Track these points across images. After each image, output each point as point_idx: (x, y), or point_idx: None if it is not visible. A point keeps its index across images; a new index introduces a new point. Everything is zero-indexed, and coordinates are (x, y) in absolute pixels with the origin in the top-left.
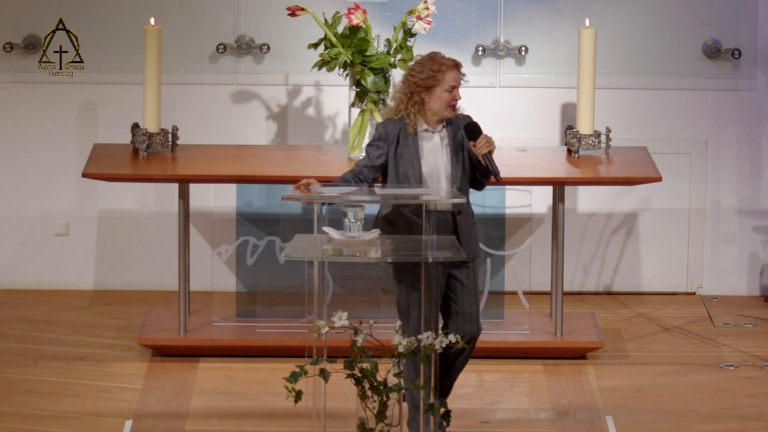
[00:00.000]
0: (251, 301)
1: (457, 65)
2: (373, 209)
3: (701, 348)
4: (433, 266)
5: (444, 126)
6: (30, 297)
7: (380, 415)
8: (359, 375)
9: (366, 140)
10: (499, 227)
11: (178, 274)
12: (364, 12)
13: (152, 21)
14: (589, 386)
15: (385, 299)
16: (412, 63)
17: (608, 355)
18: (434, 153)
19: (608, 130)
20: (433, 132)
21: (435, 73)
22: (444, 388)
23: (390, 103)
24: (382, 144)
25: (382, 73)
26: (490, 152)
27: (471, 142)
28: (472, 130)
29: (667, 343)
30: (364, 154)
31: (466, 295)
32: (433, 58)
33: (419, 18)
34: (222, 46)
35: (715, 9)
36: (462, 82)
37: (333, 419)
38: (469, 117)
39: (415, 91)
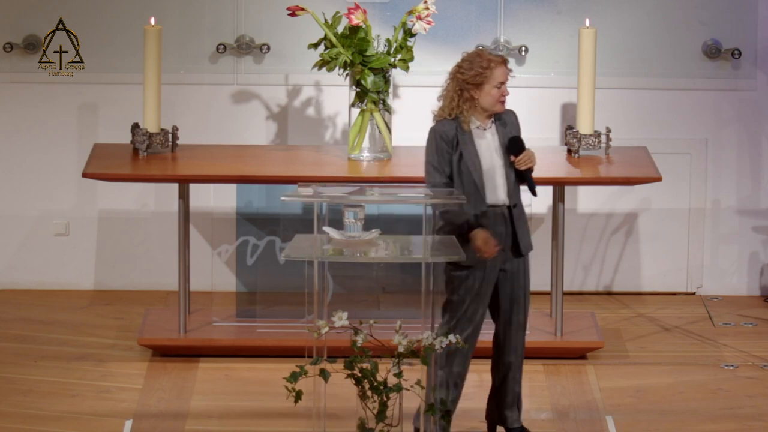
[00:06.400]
0: (251, 301)
1: (504, 61)
2: (373, 209)
3: (701, 348)
4: (489, 265)
5: (493, 122)
6: (30, 297)
7: (380, 415)
8: (359, 375)
9: (366, 140)
10: None
11: (178, 274)
12: (364, 12)
13: (152, 21)
14: (589, 386)
15: (385, 299)
16: (459, 60)
17: (608, 355)
18: (489, 149)
19: (608, 130)
20: (484, 129)
21: (484, 70)
22: (507, 398)
23: (438, 102)
24: (445, 147)
25: (382, 73)
26: (530, 169)
27: (512, 157)
28: (515, 145)
29: (667, 343)
30: (431, 168)
31: (517, 286)
32: (480, 54)
33: (419, 18)
34: (222, 46)
35: (715, 9)
36: (509, 77)
37: (333, 419)
38: (512, 112)
39: (465, 88)
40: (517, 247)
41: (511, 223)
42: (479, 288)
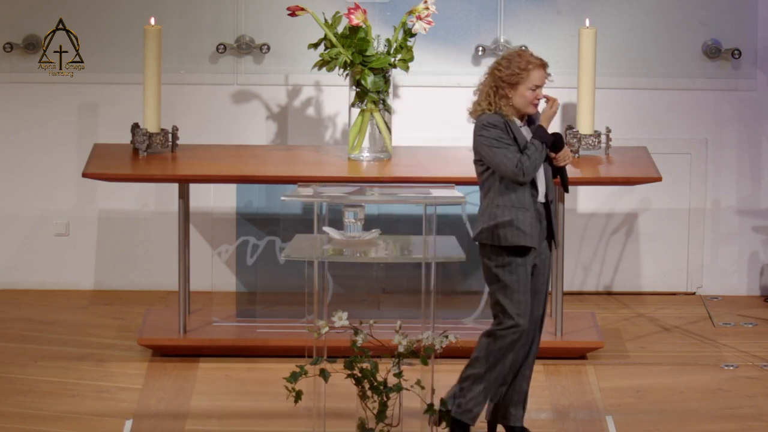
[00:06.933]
0: (251, 301)
1: (543, 65)
2: (373, 209)
3: (701, 348)
4: (528, 260)
5: (525, 122)
6: (30, 297)
7: (380, 415)
8: (359, 375)
9: (366, 140)
10: None
11: (178, 274)
12: (364, 12)
13: (152, 21)
14: (589, 386)
15: (385, 299)
16: (498, 57)
17: (608, 355)
18: None
19: (608, 130)
20: (520, 126)
21: (521, 71)
22: (513, 396)
23: (474, 97)
24: (503, 133)
25: (382, 73)
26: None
27: (552, 154)
28: (556, 142)
29: (667, 343)
30: (503, 149)
31: (541, 281)
32: (521, 55)
33: (419, 18)
34: (222, 46)
35: (715, 9)
36: (547, 81)
37: (333, 419)
38: (539, 112)
39: (500, 86)
40: (551, 243)
41: (547, 219)
42: (524, 282)
